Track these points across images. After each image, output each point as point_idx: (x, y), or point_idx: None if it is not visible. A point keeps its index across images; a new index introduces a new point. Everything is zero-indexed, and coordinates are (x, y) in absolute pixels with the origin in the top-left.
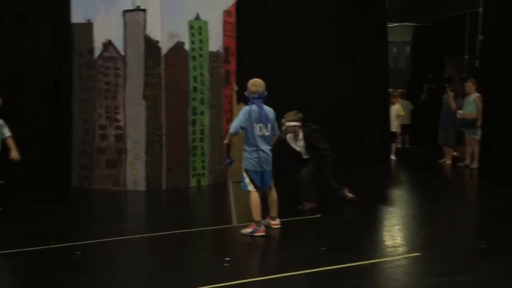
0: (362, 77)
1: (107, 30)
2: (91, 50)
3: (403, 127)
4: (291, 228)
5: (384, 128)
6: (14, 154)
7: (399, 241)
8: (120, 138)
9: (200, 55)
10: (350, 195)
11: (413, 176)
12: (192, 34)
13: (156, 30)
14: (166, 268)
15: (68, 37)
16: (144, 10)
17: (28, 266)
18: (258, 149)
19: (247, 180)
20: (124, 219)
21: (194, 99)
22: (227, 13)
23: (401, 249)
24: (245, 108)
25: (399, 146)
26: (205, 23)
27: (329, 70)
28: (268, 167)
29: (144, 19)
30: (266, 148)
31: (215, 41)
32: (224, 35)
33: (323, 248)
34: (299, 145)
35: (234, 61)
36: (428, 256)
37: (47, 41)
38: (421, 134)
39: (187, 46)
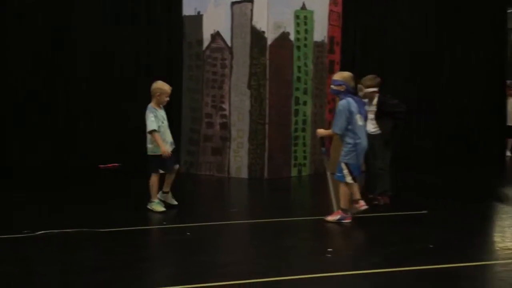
0: (477, 68)
1: (216, 21)
2: (200, 41)
3: None
4: (396, 223)
5: (501, 122)
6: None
7: None
8: (225, 126)
9: (305, 45)
10: (382, 201)
11: None
12: (298, 24)
13: (262, 20)
14: (269, 254)
15: (180, 29)
16: (251, 1)
17: (146, 243)
18: (361, 141)
19: (345, 171)
20: (228, 205)
21: (297, 89)
22: (333, 2)
23: None
24: (343, 104)
25: None
26: (311, 12)
27: (441, 60)
28: (361, 159)
29: (251, 10)
30: (365, 139)
31: (320, 31)
32: (330, 24)
33: (431, 246)
34: (371, 110)
35: (338, 51)
36: None
37: (161, 33)
38: None
39: (292, 36)
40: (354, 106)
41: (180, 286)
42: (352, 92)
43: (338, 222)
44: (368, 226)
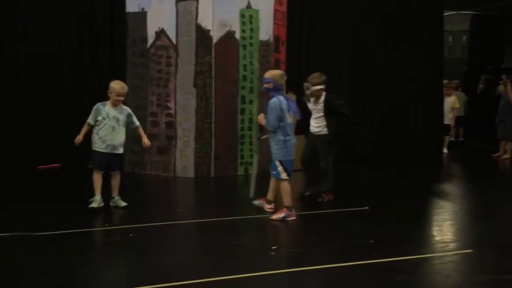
0: (416, 67)
1: (160, 19)
2: (144, 39)
3: (457, 119)
4: (338, 220)
5: (438, 120)
6: (147, 140)
7: (450, 237)
8: (171, 125)
9: (251, 44)
10: (326, 198)
11: (466, 170)
12: (243, 23)
13: (207, 19)
14: (216, 254)
15: (123, 26)
16: (196, 0)
17: (86, 246)
18: (291, 138)
19: (280, 168)
20: (174, 205)
21: (243, 87)
22: (278, 1)
23: (452, 245)
24: (274, 102)
25: (452, 139)
26: (256, 11)
27: (382, 60)
28: (293, 156)
29: (196, 8)
30: (293, 135)
31: (266, 30)
32: (275, 23)
33: (371, 241)
34: (317, 108)
35: (284, 50)
36: (480, 253)
37: (103, 29)
38: (476, 127)
39: (237, 35)
40: (284, 104)
41: None
42: (281, 89)
43: (283, 220)
44: (312, 222)
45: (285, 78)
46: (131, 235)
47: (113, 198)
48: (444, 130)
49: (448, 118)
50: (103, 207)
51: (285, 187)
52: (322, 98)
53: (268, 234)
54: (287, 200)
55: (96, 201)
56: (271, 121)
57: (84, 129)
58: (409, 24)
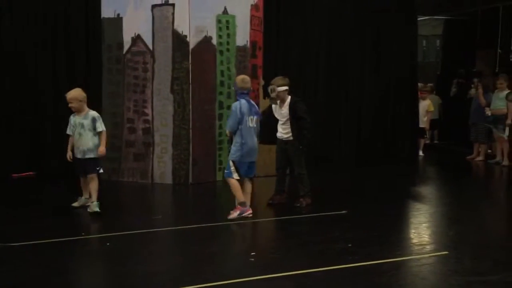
0: (390, 72)
1: (136, 24)
2: (120, 45)
3: (432, 122)
4: (317, 224)
5: (412, 124)
6: (102, 149)
7: (426, 239)
8: (148, 131)
9: (227, 50)
10: (304, 202)
11: (442, 173)
12: (220, 29)
13: (184, 24)
14: (194, 261)
15: (98, 31)
16: (172, 5)
17: (61, 256)
18: (248, 141)
19: (232, 168)
20: (152, 212)
21: (221, 93)
22: (254, 7)
23: (428, 247)
24: (235, 105)
25: (428, 141)
26: (233, 17)
27: (356, 64)
28: (255, 158)
29: (173, 14)
30: (254, 139)
31: (242, 36)
32: (251, 29)
33: (349, 245)
34: (282, 113)
35: (261, 55)
36: (456, 255)
37: (78, 35)
38: (450, 130)
39: (214, 41)
40: (245, 107)
41: None
42: (244, 93)
43: (239, 217)
44: (290, 227)
45: (248, 82)
46: (108, 244)
47: (87, 199)
48: (420, 133)
49: (423, 121)
50: (86, 206)
51: (234, 185)
52: (288, 101)
53: (247, 240)
54: (239, 196)
55: (80, 201)
56: (230, 123)
57: (70, 142)
58: (384, 29)
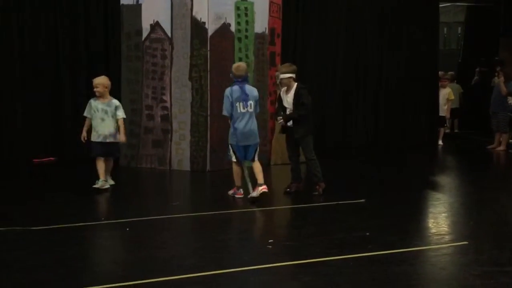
0: (411, 59)
1: (155, 11)
2: (139, 32)
3: (452, 111)
4: (335, 212)
5: (433, 112)
6: (123, 137)
7: (445, 229)
8: (166, 118)
9: (246, 37)
10: (320, 188)
11: (462, 162)
12: (238, 15)
13: (202, 11)
14: (211, 248)
15: (117, 18)
16: None
17: (81, 240)
18: (239, 126)
19: (231, 152)
20: (170, 198)
21: None
22: None
23: (447, 237)
24: (226, 91)
25: (448, 131)
26: (251, 4)
27: (376, 52)
28: (251, 142)
29: (191, 1)
30: (249, 124)
31: (261, 23)
32: (270, 16)
33: (367, 234)
34: (288, 100)
35: (279, 42)
36: (476, 245)
37: (98, 22)
38: (471, 119)
39: (233, 28)
40: (236, 93)
41: (119, 284)
42: (239, 80)
43: (233, 196)
44: (308, 215)
45: (242, 70)
46: (128, 229)
47: (105, 181)
48: (440, 122)
49: (443, 110)
50: (106, 188)
51: (234, 168)
52: (293, 88)
53: (264, 227)
54: (236, 180)
55: (99, 183)
56: (224, 108)
57: (86, 124)
58: (405, 16)
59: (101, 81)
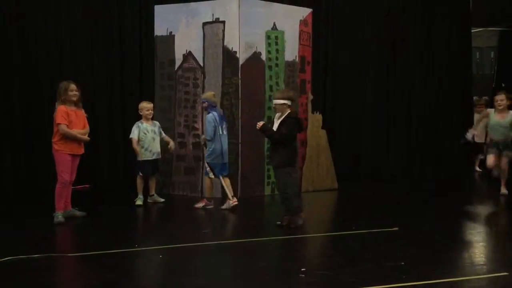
0: (443, 84)
1: (188, 41)
2: (172, 61)
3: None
4: (368, 241)
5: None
6: (172, 144)
7: (484, 259)
8: (198, 146)
9: (276, 65)
10: (295, 222)
11: (498, 190)
12: (269, 44)
13: (234, 40)
14: (243, 276)
15: (152, 49)
16: (223, 22)
17: (115, 267)
18: (218, 146)
19: (208, 169)
20: (201, 226)
21: (269, 108)
22: (303, 22)
23: (486, 268)
24: (210, 116)
25: (482, 157)
26: (282, 33)
27: (409, 77)
28: (226, 160)
29: (223, 31)
30: (225, 145)
31: (291, 51)
32: (300, 44)
33: (402, 263)
34: (276, 125)
35: (309, 70)
36: None
37: (133, 54)
38: None
39: (263, 56)
40: (218, 118)
41: None
42: (215, 106)
43: (203, 208)
44: (340, 244)
45: (216, 97)
46: (161, 256)
47: (152, 195)
48: (476, 148)
49: (479, 136)
50: (144, 203)
51: (208, 183)
52: (284, 116)
53: (296, 255)
54: (208, 192)
55: (140, 199)
56: (209, 132)
57: (134, 143)
58: (437, 41)
59: (151, 106)
